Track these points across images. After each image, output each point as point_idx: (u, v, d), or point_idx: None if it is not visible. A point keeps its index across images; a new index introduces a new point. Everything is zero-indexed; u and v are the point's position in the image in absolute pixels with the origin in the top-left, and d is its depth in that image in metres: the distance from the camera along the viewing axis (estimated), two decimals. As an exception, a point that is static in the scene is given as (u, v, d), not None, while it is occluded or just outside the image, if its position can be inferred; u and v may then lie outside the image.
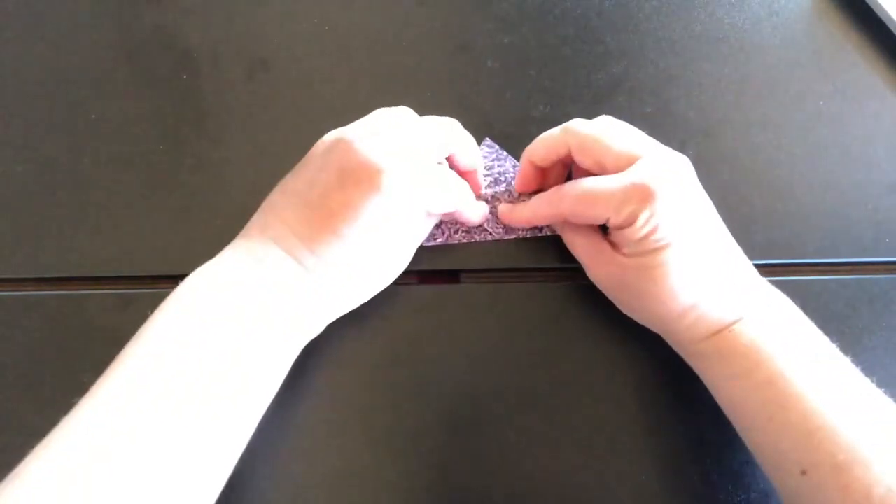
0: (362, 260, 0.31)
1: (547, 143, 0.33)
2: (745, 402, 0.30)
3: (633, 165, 0.30)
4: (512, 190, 0.37)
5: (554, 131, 0.33)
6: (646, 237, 0.30)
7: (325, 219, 0.30)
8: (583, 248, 0.34)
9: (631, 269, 0.31)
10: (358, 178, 0.29)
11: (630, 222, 0.30)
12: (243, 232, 0.32)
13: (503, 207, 0.36)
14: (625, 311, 0.34)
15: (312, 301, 0.31)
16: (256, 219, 0.32)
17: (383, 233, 0.31)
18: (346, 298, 0.32)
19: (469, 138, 0.35)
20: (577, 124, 0.32)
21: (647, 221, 0.29)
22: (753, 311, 0.30)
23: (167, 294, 0.36)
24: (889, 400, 0.28)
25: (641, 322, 0.33)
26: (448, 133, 0.34)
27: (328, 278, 0.31)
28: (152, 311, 0.36)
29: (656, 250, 0.30)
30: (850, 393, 0.28)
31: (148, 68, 0.40)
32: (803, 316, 0.31)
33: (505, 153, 0.38)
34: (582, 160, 0.32)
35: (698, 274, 0.30)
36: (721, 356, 0.30)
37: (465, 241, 0.36)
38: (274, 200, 0.32)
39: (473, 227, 0.36)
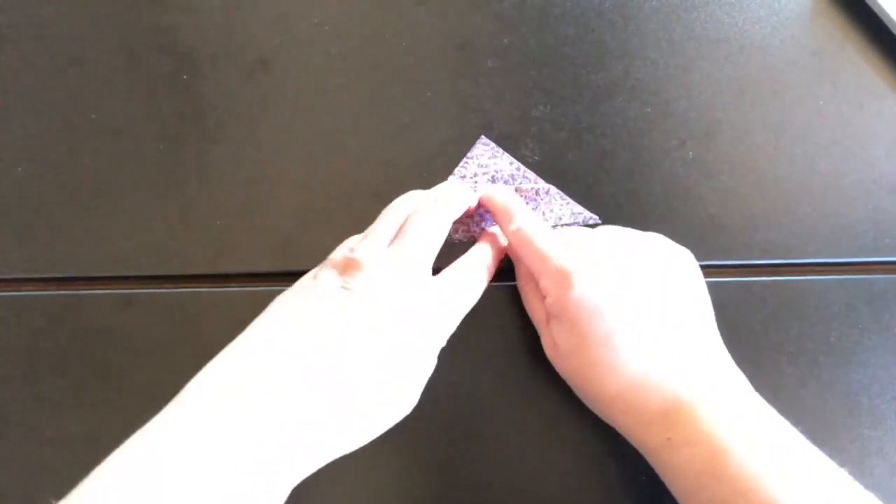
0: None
1: None
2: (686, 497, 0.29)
3: (575, 242, 0.31)
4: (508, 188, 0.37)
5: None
6: (557, 314, 0.30)
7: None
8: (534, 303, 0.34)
9: (562, 354, 0.31)
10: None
11: (544, 294, 0.31)
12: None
13: (485, 191, 0.35)
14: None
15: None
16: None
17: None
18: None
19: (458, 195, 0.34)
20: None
21: (556, 303, 0.30)
22: (699, 406, 0.27)
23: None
24: (857, 491, 0.26)
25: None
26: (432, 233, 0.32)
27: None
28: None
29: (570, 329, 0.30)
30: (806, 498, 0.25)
31: (148, 68, 0.40)
32: (764, 407, 0.28)
33: (501, 150, 0.38)
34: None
35: (625, 362, 0.29)
36: (657, 448, 0.29)
37: (465, 239, 0.36)
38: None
39: (475, 227, 0.36)
